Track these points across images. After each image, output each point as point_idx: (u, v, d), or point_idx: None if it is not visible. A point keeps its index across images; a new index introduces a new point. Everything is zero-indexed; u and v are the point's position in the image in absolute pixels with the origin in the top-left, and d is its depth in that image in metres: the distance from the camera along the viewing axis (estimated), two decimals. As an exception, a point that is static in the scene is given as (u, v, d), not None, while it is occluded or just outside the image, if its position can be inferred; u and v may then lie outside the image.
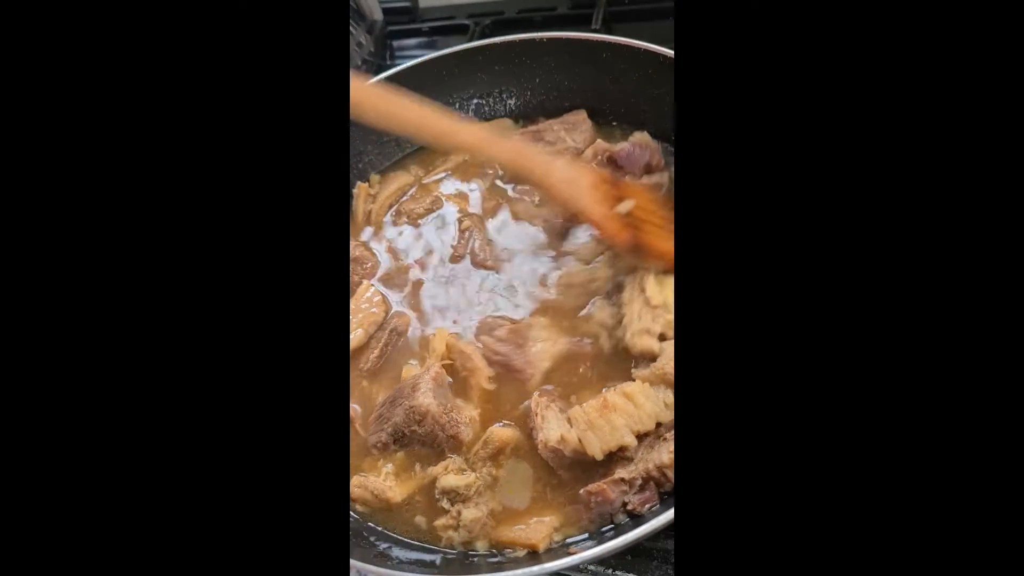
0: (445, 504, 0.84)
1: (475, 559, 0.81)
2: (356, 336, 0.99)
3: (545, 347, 0.92)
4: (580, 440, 0.79)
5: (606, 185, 0.93)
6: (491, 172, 1.17)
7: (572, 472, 0.83)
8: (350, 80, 0.76)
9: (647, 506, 0.78)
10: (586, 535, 0.80)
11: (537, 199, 1.10)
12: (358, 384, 0.97)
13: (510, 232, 1.08)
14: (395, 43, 1.57)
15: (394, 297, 1.06)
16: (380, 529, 0.87)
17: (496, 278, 1.03)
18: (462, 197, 1.16)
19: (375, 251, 1.13)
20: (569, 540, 0.80)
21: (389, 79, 1.16)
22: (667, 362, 0.83)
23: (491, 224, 1.10)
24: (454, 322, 1.00)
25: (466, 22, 1.49)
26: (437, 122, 0.87)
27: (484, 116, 1.25)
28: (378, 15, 1.55)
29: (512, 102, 1.23)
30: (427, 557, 0.83)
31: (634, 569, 0.81)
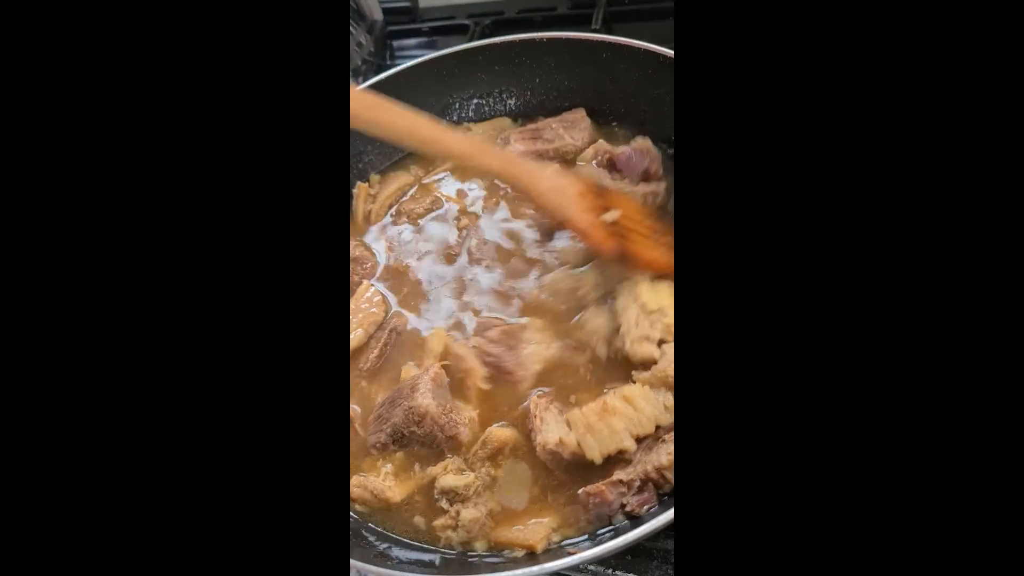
0: (444, 504, 0.84)
1: (474, 559, 0.81)
2: (356, 336, 0.99)
3: (537, 350, 0.92)
4: (579, 444, 0.79)
5: (593, 194, 0.93)
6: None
7: (570, 473, 0.83)
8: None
9: (645, 507, 0.78)
10: (584, 537, 0.80)
11: None
12: (357, 384, 0.97)
13: (508, 232, 1.08)
14: (395, 43, 1.57)
15: (393, 297, 1.06)
16: (379, 529, 0.87)
17: (491, 278, 1.03)
18: (461, 196, 1.16)
19: (375, 251, 1.13)
20: (567, 541, 0.80)
21: (389, 79, 1.16)
22: (667, 365, 0.83)
23: (489, 224, 1.10)
24: (451, 323, 1.00)
25: (466, 22, 1.49)
26: (427, 129, 0.87)
27: (484, 116, 1.25)
28: (378, 15, 1.55)
29: (512, 102, 1.23)
30: (426, 557, 0.83)
31: (634, 569, 0.81)
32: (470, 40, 1.31)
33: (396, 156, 1.25)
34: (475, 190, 1.16)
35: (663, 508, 0.75)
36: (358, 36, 1.47)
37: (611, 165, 1.04)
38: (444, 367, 0.92)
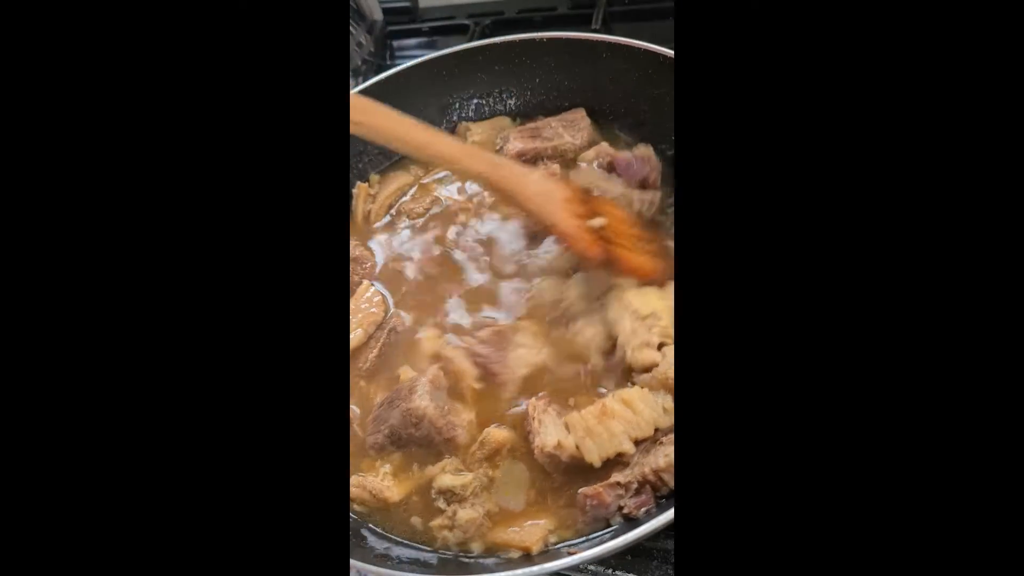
0: (441, 504, 0.84)
1: (470, 560, 0.81)
2: (356, 336, 0.99)
3: (526, 354, 0.91)
4: (578, 447, 0.79)
5: (579, 201, 0.93)
6: None
7: (568, 476, 0.83)
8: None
9: (643, 510, 0.78)
10: (581, 539, 0.80)
11: None
12: (356, 384, 0.97)
13: (504, 232, 1.08)
14: (395, 43, 1.57)
15: (391, 297, 1.06)
16: (378, 530, 0.87)
17: (487, 279, 1.03)
18: (461, 196, 1.15)
19: (374, 251, 1.13)
20: (563, 544, 0.80)
21: (389, 79, 1.16)
22: (667, 367, 0.83)
23: (486, 224, 1.10)
24: (446, 323, 1.00)
25: (466, 22, 1.49)
26: (414, 133, 0.87)
27: (484, 116, 1.25)
28: (378, 15, 1.55)
29: (512, 102, 1.23)
30: (424, 557, 0.83)
31: (634, 569, 0.81)
32: (470, 40, 1.31)
33: (396, 156, 1.25)
34: (473, 189, 1.16)
35: (660, 510, 0.75)
36: (358, 36, 1.47)
37: (611, 168, 1.04)
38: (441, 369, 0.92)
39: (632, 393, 0.81)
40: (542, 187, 0.91)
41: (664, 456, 0.77)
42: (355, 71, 1.45)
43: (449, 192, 1.17)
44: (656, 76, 1.05)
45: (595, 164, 1.06)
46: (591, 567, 0.82)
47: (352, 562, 0.74)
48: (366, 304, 1.03)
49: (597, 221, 0.92)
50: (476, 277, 1.04)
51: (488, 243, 1.07)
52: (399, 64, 1.19)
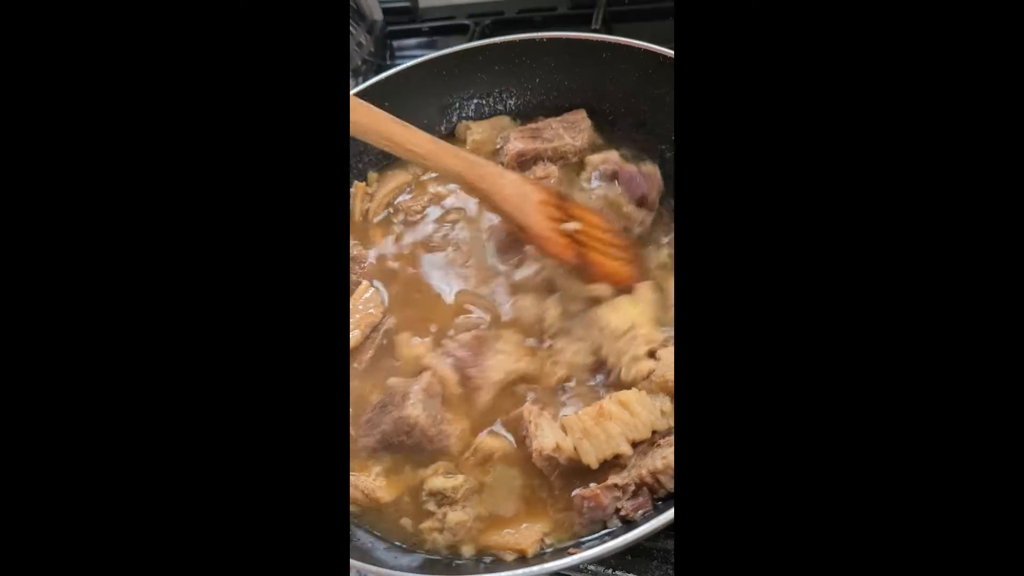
0: (431, 506, 0.84)
1: (466, 562, 0.81)
2: (353, 337, 0.99)
3: (503, 360, 0.91)
4: (575, 448, 0.79)
5: (554, 204, 0.93)
6: None
7: (565, 479, 0.82)
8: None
9: (640, 512, 0.78)
10: (577, 542, 0.80)
11: None
12: (351, 385, 0.97)
13: (494, 236, 1.07)
14: (395, 43, 1.57)
15: (387, 297, 1.06)
16: (375, 532, 0.87)
17: (477, 281, 1.03)
18: (458, 196, 1.15)
19: (372, 250, 1.12)
20: (559, 546, 0.80)
21: (389, 79, 1.16)
22: (665, 369, 0.83)
23: (480, 225, 1.09)
24: (431, 325, 1.00)
25: (466, 22, 1.49)
26: (389, 128, 0.86)
27: (484, 116, 1.25)
28: (378, 15, 1.55)
29: (512, 102, 1.23)
30: (424, 557, 0.83)
31: (634, 569, 0.81)
32: (470, 40, 1.31)
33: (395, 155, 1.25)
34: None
35: (658, 513, 0.75)
36: (358, 36, 1.47)
37: (613, 177, 1.02)
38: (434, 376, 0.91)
39: (629, 395, 0.81)
40: (518, 188, 0.91)
41: (662, 458, 0.76)
42: (355, 71, 1.45)
43: (448, 191, 1.16)
44: (656, 76, 1.05)
45: (600, 168, 1.05)
46: (591, 567, 0.82)
47: (352, 562, 0.74)
48: (363, 305, 1.03)
49: (571, 225, 0.92)
50: (467, 279, 1.03)
51: (480, 245, 1.07)
52: (399, 64, 1.18)
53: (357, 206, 1.18)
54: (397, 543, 0.85)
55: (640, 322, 0.87)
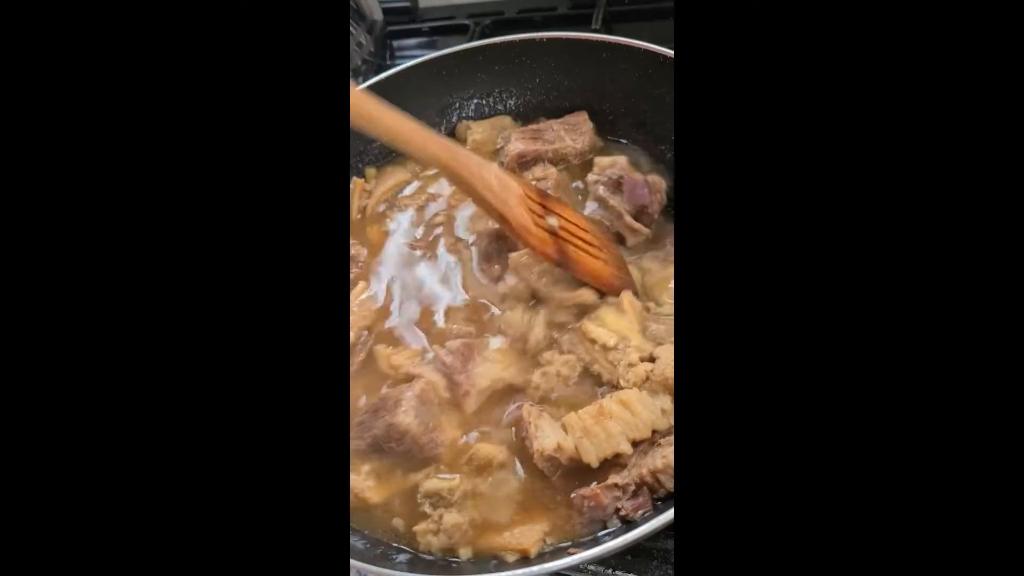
0: (427, 508, 0.84)
1: (467, 562, 0.81)
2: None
3: (491, 368, 0.90)
4: (576, 447, 0.79)
5: (536, 200, 0.93)
6: None
7: (565, 479, 0.83)
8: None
9: (640, 512, 0.78)
10: (577, 542, 0.80)
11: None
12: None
13: (489, 235, 1.07)
14: (395, 43, 1.57)
15: (382, 298, 1.05)
16: (367, 533, 0.87)
17: (471, 285, 1.02)
18: (453, 195, 1.15)
19: (368, 248, 1.12)
20: (559, 546, 0.80)
21: (389, 79, 1.16)
22: (665, 366, 0.83)
23: (476, 226, 1.09)
24: (421, 328, 1.00)
25: (466, 22, 1.49)
26: (368, 107, 0.84)
27: (484, 116, 1.25)
28: (378, 15, 1.55)
29: (512, 102, 1.23)
30: (425, 557, 0.83)
31: (634, 569, 0.81)
32: (470, 40, 1.31)
33: (394, 154, 1.25)
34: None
35: (657, 513, 0.75)
36: (358, 36, 1.47)
37: (616, 185, 1.02)
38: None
39: (630, 395, 0.81)
40: (499, 180, 0.90)
41: (662, 458, 0.76)
42: (355, 71, 1.45)
43: (447, 190, 1.16)
44: (656, 76, 1.05)
45: (606, 172, 1.04)
46: (591, 567, 0.82)
47: (352, 562, 0.74)
48: (359, 306, 1.03)
49: (553, 220, 0.92)
50: (461, 283, 1.03)
51: (469, 252, 1.06)
52: (399, 64, 1.18)
53: (355, 202, 1.17)
54: (392, 543, 0.85)
55: (628, 333, 0.87)
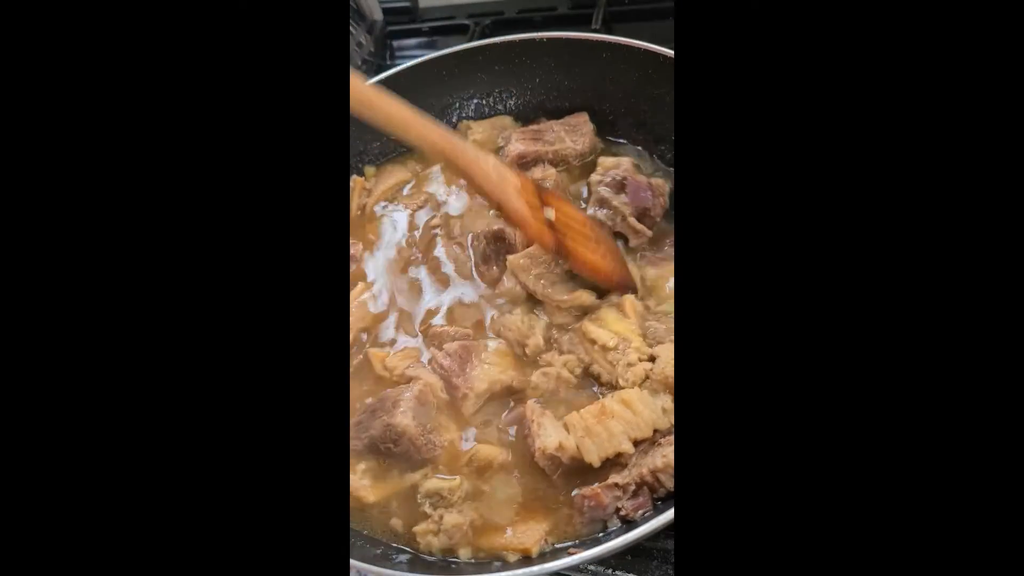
0: (427, 508, 0.83)
1: (468, 563, 0.81)
2: (347, 337, 0.99)
3: (489, 371, 0.90)
4: (578, 447, 0.79)
5: (532, 192, 0.93)
6: None
7: (566, 478, 0.83)
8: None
9: (640, 512, 0.78)
10: (577, 542, 0.80)
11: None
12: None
13: (485, 236, 1.06)
14: (395, 43, 1.57)
15: (380, 298, 1.05)
16: (366, 533, 0.87)
17: (469, 287, 1.02)
18: (456, 195, 1.15)
19: (367, 248, 1.12)
20: (559, 546, 0.80)
21: (389, 79, 1.16)
22: (665, 364, 0.83)
23: (468, 227, 1.09)
24: (418, 330, 1.00)
25: (466, 22, 1.49)
26: (366, 93, 0.83)
27: (484, 116, 1.25)
28: (378, 15, 1.55)
29: (512, 102, 1.23)
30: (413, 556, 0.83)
31: (634, 569, 0.81)
32: (470, 40, 1.31)
33: (393, 152, 1.25)
34: (464, 187, 1.15)
35: (657, 513, 0.75)
36: (358, 36, 1.47)
37: (620, 186, 1.01)
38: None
39: (631, 394, 0.81)
40: (497, 170, 0.90)
41: (662, 457, 0.77)
42: (355, 71, 1.45)
43: (448, 190, 1.16)
44: (656, 76, 1.05)
45: (610, 173, 1.03)
46: (591, 567, 0.82)
47: (352, 562, 0.74)
48: (357, 306, 1.03)
49: (550, 211, 0.92)
50: (459, 284, 1.03)
51: (470, 250, 1.06)
52: (399, 64, 1.18)
53: (354, 200, 1.17)
54: (392, 543, 0.85)
55: (629, 335, 0.87)
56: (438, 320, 1.00)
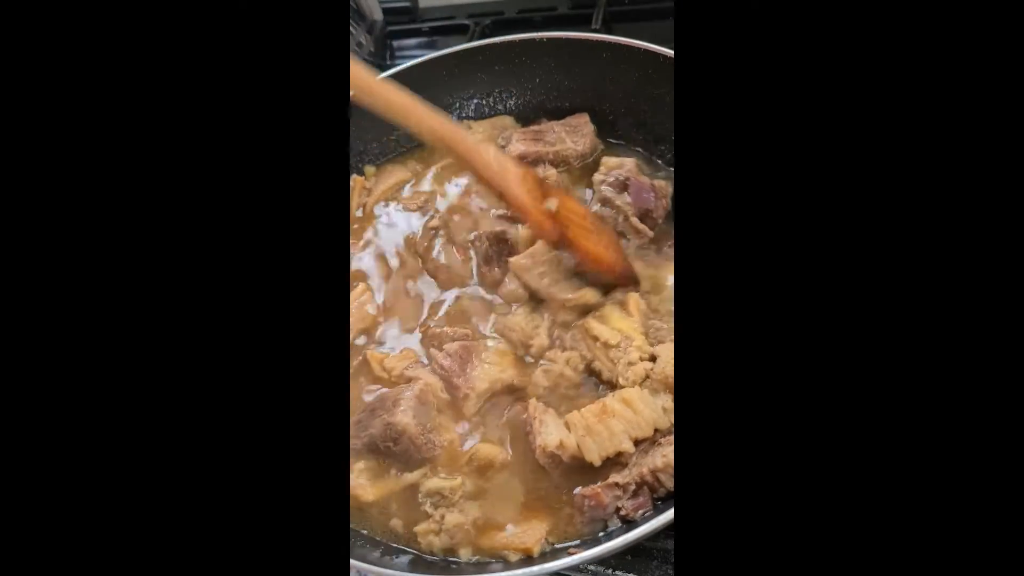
0: (428, 508, 0.83)
1: (468, 562, 0.81)
2: (345, 337, 0.99)
3: (489, 371, 0.90)
4: (579, 446, 0.79)
5: (532, 182, 0.92)
6: None
7: (567, 477, 0.83)
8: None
9: (640, 512, 0.78)
10: (577, 542, 0.80)
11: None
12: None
13: (483, 242, 1.06)
14: (395, 43, 1.57)
15: (380, 299, 1.05)
16: (365, 532, 0.87)
17: (468, 287, 1.02)
18: (456, 195, 1.15)
19: (366, 247, 1.12)
20: (560, 546, 0.80)
21: (389, 79, 1.16)
22: (665, 364, 0.83)
23: (464, 228, 1.08)
24: (418, 329, 1.00)
25: (466, 22, 1.49)
26: (367, 79, 0.83)
27: (484, 115, 1.25)
28: (378, 15, 1.55)
29: (512, 102, 1.23)
30: (415, 555, 0.83)
31: (634, 569, 0.81)
32: (470, 40, 1.31)
33: (393, 152, 1.25)
34: (462, 187, 1.15)
35: (658, 513, 0.75)
36: (358, 36, 1.47)
37: (623, 186, 1.01)
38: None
39: (632, 393, 0.81)
40: (498, 159, 0.90)
41: (662, 457, 0.77)
42: (356, 59, 1.45)
43: (447, 190, 1.16)
44: (656, 76, 1.05)
45: (612, 174, 1.03)
46: (591, 567, 0.82)
47: (352, 562, 0.74)
48: (357, 307, 1.03)
49: (552, 202, 0.92)
50: (459, 284, 1.03)
51: (471, 250, 1.06)
52: (399, 64, 1.18)
53: (354, 200, 1.17)
54: (392, 543, 0.85)
55: (631, 333, 0.87)
56: (437, 321, 1.00)
